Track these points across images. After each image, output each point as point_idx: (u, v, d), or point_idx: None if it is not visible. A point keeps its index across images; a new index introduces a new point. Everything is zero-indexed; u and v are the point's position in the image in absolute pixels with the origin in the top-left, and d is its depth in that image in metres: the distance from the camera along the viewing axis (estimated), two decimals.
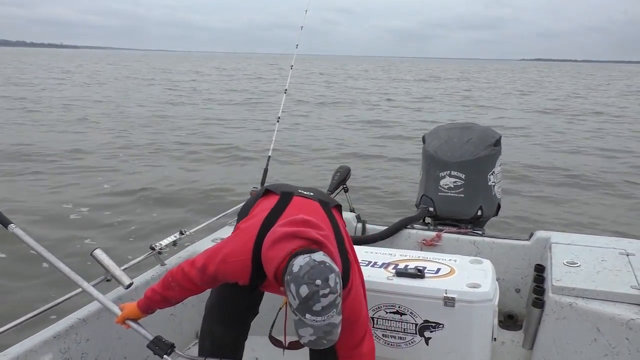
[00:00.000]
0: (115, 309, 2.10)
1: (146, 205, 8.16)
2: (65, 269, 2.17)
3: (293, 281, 1.60)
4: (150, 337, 2.04)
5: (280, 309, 2.05)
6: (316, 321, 1.59)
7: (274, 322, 2.07)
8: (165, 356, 2.00)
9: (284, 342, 2.08)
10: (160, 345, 2.01)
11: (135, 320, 2.09)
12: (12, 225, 2.19)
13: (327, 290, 1.58)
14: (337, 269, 1.66)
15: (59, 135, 14.40)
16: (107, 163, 11.06)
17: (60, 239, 6.55)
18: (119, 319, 2.07)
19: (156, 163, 11.30)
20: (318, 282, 1.57)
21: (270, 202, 2.03)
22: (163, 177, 9.89)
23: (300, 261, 1.62)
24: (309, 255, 1.65)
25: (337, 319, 1.63)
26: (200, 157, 12.09)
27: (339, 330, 1.66)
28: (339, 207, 2.19)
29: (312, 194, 2.10)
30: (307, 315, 1.58)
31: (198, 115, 19.40)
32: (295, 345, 1.94)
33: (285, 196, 2.03)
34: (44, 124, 16.34)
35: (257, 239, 1.85)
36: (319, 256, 1.65)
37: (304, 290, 1.57)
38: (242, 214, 2.21)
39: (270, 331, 2.13)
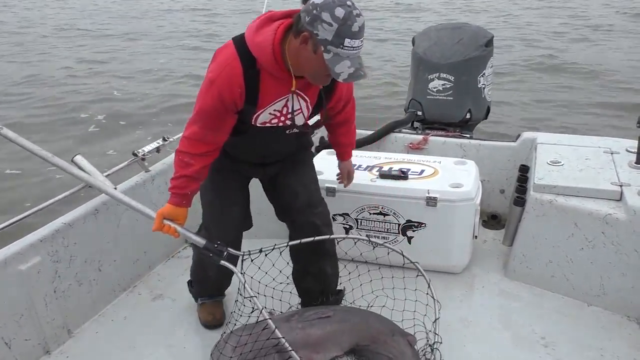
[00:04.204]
0: (151, 213, 1.94)
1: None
2: (84, 175, 2.14)
3: (325, 8, 1.60)
4: (203, 242, 1.92)
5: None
6: (353, 48, 1.63)
7: None
8: (222, 262, 1.90)
9: None
10: (214, 251, 1.91)
11: (178, 223, 1.93)
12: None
13: (358, 11, 1.63)
14: None
15: None
16: None
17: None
18: (156, 223, 1.90)
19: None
20: (349, 2, 1.62)
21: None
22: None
23: None
24: None
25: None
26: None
27: None
28: None
29: None
30: (347, 41, 1.61)
31: None
32: None
33: (239, 36, 1.88)
34: None
35: (235, 46, 1.77)
36: None
37: (340, 12, 1.59)
38: None
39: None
